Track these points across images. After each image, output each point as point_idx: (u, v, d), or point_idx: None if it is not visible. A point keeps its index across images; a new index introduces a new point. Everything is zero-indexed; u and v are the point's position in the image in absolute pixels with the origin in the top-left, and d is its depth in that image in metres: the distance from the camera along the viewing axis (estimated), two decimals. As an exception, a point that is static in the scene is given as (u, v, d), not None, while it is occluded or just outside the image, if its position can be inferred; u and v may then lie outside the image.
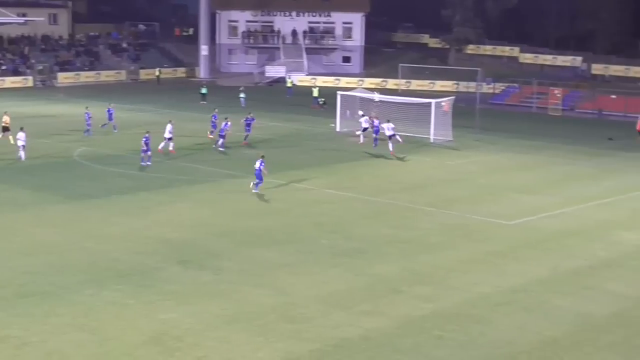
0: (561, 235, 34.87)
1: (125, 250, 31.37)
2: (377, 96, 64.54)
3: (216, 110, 58.99)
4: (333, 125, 63.17)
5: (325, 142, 56.87)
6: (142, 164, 46.85)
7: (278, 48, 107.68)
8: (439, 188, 43.82)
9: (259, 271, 29.27)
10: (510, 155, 54.87)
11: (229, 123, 53.17)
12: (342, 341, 23.34)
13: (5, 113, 55.41)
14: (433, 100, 59.37)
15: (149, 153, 46.85)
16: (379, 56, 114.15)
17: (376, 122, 54.97)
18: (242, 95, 79.01)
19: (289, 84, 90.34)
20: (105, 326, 24.03)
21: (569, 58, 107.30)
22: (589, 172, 49.66)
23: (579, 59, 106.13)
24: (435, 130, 57.94)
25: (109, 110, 60.05)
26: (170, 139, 50.98)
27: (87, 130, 57.16)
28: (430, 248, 32.70)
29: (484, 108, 69.94)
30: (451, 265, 30.48)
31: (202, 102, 79.64)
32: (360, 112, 58.18)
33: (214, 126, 56.33)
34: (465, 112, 68.76)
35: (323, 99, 76.91)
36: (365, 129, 56.04)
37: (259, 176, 41.15)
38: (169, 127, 51.17)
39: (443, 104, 59.83)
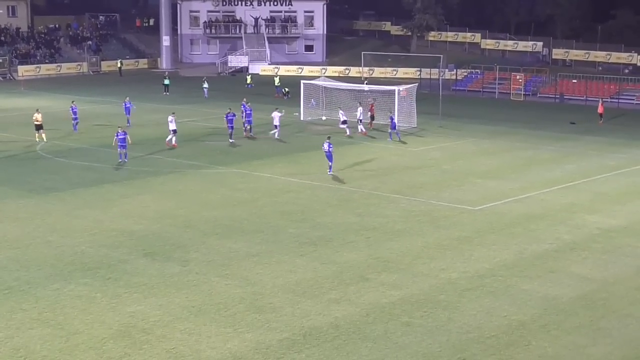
0: (526, 220, 35.05)
1: (90, 244, 31.07)
2: (366, 86, 64.78)
3: (244, 100, 58.04)
4: (297, 114, 63.03)
5: (289, 131, 56.65)
6: (120, 160, 45.81)
7: (240, 38, 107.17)
8: (403, 175, 43.86)
9: (226, 262, 29.14)
10: (473, 141, 55.08)
11: (235, 114, 53.24)
12: (312, 330, 23.31)
13: (37, 111, 53.34)
14: (396, 88, 59.43)
15: (124, 150, 45.77)
16: (341, 44, 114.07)
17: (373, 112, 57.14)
18: (205, 85, 78.62)
19: (248, 81, 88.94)
20: (72, 320, 23.80)
21: (529, 43, 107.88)
22: (551, 156, 49.96)
23: (540, 44, 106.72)
24: (399, 117, 57.97)
25: (125, 104, 59.38)
26: (174, 131, 50.64)
27: (74, 125, 56.17)
28: (396, 235, 32.71)
29: (446, 94, 70.12)
30: (418, 252, 30.53)
31: (165, 93, 79.15)
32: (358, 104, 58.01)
33: (249, 118, 55.23)
34: (428, 98, 68.98)
35: (287, 89, 76.68)
36: (360, 120, 56.22)
37: (330, 157, 42.24)
38: (170, 118, 50.70)
39: (401, 89, 59.89)
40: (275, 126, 53.93)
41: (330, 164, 42.83)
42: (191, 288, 26.51)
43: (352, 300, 25.55)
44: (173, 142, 50.48)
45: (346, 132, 54.89)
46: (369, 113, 58.39)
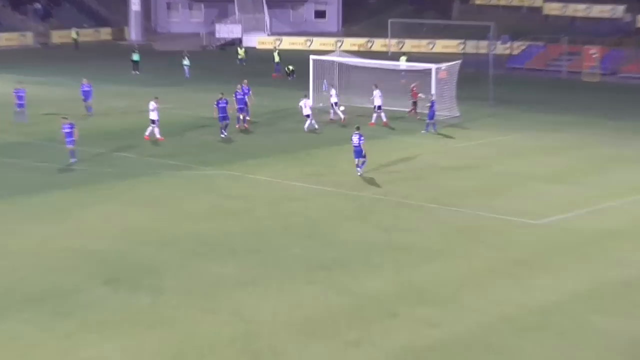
0: (604, 238, 34.86)
1: (34, 268, 30.93)
2: (403, 62, 65.02)
3: (245, 81, 58.06)
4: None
5: (295, 122, 56.57)
6: (72, 160, 45.82)
7: (231, 1, 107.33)
8: (442, 178, 43.79)
9: (211, 291, 28.98)
10: (534, 134, 55.01)
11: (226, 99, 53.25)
12: (323, 382, 23.16)
13: None
14: (433, 66, 59.30)
15: (72, 146, 45.66)
16: (361, 9, 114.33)
17: (419, 97, 58.41)
18: (185, 62, 78.70)
19: (240, 55, 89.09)
20: (10, 368, 23.64)
21: (607, 7, 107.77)
22: (637, 154, 49.75)
23: (621, 8, 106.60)
24: (437, 104, 57.77)
25: (83, 87, 59.13)
26: (154, 121, 50.67)
27: (19, 114, 55.98)
28: (434, 257, 32.54)
29: (498, 74, 70.03)
30: (462, 279, 30.32)
31: (134, 72, 79.23)
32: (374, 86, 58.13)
33: (240, 105, 55.29)
34: (474, 79, 68.89)
35: (291, 67, 76.64)
36: (379, 107, 56.16)
37: (360, 153, 42.80)
38: (152, 106, 50.61)
39: (442, 68, 59.90)
40: (307, 116, 54.58)
41: (362, 160, 43.20)
42: (166, 326, 26.33)
43: (376, 343, 25.33)
44: (156, 135, 50.41)
45: (329, 116, 57.02)
46: (411, 100, 58.37)
